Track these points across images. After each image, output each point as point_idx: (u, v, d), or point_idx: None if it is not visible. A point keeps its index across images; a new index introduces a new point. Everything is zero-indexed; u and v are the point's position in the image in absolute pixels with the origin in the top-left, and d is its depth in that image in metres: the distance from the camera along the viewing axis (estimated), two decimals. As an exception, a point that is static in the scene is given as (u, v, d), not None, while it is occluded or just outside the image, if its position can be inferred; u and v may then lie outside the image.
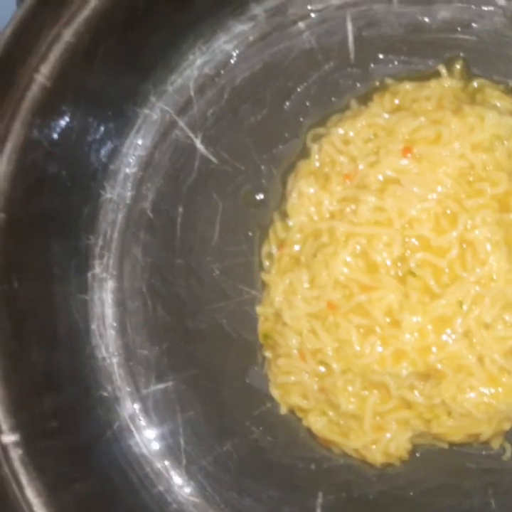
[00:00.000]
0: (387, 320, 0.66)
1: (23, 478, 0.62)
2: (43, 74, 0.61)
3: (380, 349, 0.66)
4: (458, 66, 0.71)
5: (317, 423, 0.70)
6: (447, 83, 0.69)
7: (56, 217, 0.69)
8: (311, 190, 0.69)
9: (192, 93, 0.72)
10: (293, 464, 0.71)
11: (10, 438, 0.62)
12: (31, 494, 0.62)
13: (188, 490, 0.71)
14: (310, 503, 0.70)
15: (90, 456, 0.68)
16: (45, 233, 0.68)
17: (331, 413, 0.69)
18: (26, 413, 0.64)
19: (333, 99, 0.71)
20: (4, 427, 0.62)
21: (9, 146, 0.62)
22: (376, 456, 0.69)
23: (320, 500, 0.70)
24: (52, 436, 0.66)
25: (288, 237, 0.71)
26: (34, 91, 0.62)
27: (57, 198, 0.68)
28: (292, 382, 0.70)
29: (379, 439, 0.68)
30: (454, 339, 0.65)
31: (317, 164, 0.70)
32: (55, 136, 0.65)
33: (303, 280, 0.69)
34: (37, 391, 0.66)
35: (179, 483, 0.71)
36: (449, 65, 0.71)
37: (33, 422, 0.64)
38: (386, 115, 0.68)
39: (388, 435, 0.68)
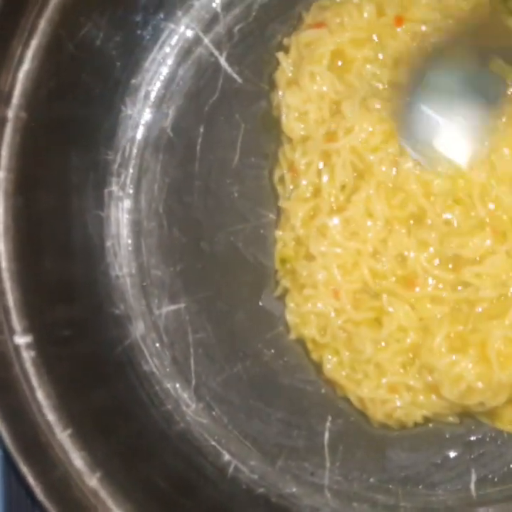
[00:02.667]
0: None
1: (34, 380, 0.62)
2: (72, -30, 0.61)
3: None
4: None
5: (327, 361, 0.68)
6: None
7: (76, 127, 0.68)
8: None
9: (219, 9, 0.71)
10: (303, 387, 0.70)
11: (23, 339, 0.62)
12: (41, 396, 0.61)
13: (196, 410, 0.71)
14: (319, 427, 0.69)
15: (100, 368, 0.68)
16: (65, 141, 0.68)
17: (346, 353, 0.68)
18: (40, 318, 0.64)
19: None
20: (17, 328, 0.62)
21: (34, 43, 0.62)
22: (377, 414, 0.68)
23: (328, 424, 0.69)
24: (64, 343, 0.65)
25: (295, 159, 0.69)
26: (62, -13, 0.61)
27: (79, 106, 0.68)
28: (316, 312, 0.68)
29: (389, 400, 0.67)
30: None
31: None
32: (81, 39, 0.64)
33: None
34: (50, 298, 0.66)
35: (187, 403, 0.71)
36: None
37: (46, 327, 0.64)
38: None
39: (399, 403, 0.67)
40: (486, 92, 0.62)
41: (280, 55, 0.70)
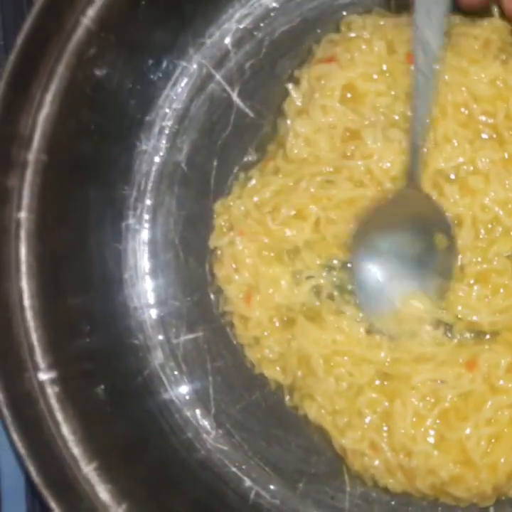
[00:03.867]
0: None
1: (59, 415, 0.63)
2: (89, 17, 0.62)
3: None
4: None
5: (311, 408, 0.68)
6: (498, 23, 0.67)
7: (94, 165, 0.70)
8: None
9: (230, 46, 0.73)
10: (321, 413, 0.72)
11: (47, 375, 0.63)
12: (66, 431, 0.63)
13: (216, 437, 0.72)
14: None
15: (122, 399, 0.69)
16: (83, 179, 0.69)
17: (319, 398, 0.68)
18: (62, 353, 0.65)
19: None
20: (42, 365, 0.64)
21: (53, 88, 0.63)
22: (355, 464, 0.68)
23: (348, 448, 0.71)
24: (86, 377, 0.67)
25: None
26: (79, 34, 0.63)
27: (96, 145, 0.69)
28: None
29: (368, 456, 0.67)
30: None
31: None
32: (97, 81, 0.66)
33: None
34: (72, 333, 0.68)
35: (207, 431, 0.72)
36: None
37: (69, 362, 0.66)
38: None
39: (376, 462, 0.67)
40: (434, 266, 0.66)
41: (290, 85, 0.71)
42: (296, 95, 0.70)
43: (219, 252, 0.71)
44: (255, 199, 0.69)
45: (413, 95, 0.64)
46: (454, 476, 0.65)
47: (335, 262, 0.69)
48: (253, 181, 0.71)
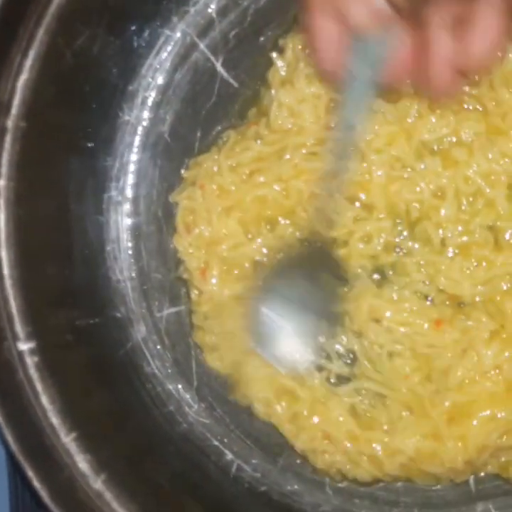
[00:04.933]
0: None
1: (38, 385, 0.62)
2: (68, -20, 0.61)
3: None
4: None
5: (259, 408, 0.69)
6: None
7: (75, 134, 0.69)
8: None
9: (214, 15, 0.72)
10: (304, 387, 0.71)
11: (26, 345, 0.63)
12: (46, 401, 0.62)
13: (198, 411, 0.72)
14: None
15: (103, 371, 0.69)
16: (64, 148, 0.68)
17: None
18: (42, 323, 0.64)
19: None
20: (21, 335, 0.63)
21: (33, 53, 0.62)
22: (318, 462, 0.68)
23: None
24: (67, 348, 0.66)
25: None
26: (59, -3, 0.62)
27: (77, 113, 0.68)
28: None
29: (327, 450, 0.67)
30: None
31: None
32: (78, 47, 0.65)
33: None
34: (52, 304, 0.67)
35: (190, 404, 0.72)
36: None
37: (49, 332, 0.65)
38: None
39: (338, 457, 0.67)
40: (321, 304, 0.66)
41: (274, 55, 0.71)
42: (280, 64, 0.70)
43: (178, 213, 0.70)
44: (231, 162, 0.68)
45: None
46: (420, 450, 0.64)
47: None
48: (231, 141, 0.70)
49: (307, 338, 0.66)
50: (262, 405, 0.69)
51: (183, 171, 0.72)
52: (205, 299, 0.70)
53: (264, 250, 0.68)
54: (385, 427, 0.65)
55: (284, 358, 0.66)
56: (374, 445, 0.65)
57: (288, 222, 0.68)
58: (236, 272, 0.69)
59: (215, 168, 0.69)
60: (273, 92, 0.69)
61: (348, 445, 0.66)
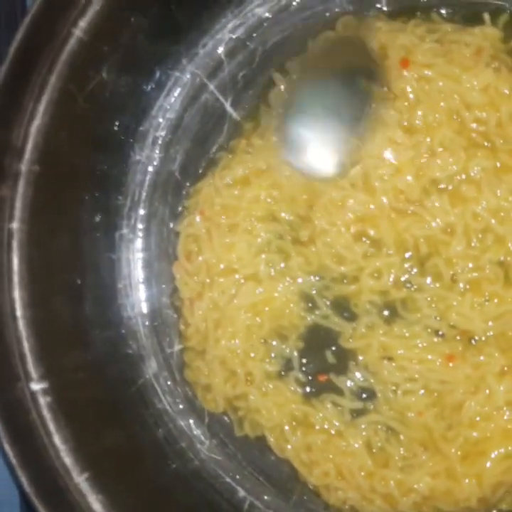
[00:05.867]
0: None
1: (51, 425, 0.63)
2: (80, 28, 0.63)
3: None
4: (502, 19, 0.69)
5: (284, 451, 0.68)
6: (489, 31, 0.67)
7: (87, 175, 0.70)
8: None
9: (223, 56, 0.73)
10: (315, 423, 0.71)
11: (39, 385, 0.63)
12: (59, 440, 0.63)
13: (210, 447, 0.72)
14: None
15: (116, 409, 0.69)
16: (76, 190, 0.69)
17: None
18: (55, 363, 0.65)
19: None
20: (34, 375, 0.64)
21: (45, 98, 0.64)
22: (331, 499, 0.68)
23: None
24: (79, 387, 0.67)
25: None
26: (72, 44, 0.63)
27: (89, 155, 0.70)
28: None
29: (340, 488, 0.67)
30: None
31: None
32: (90, 92, 0.66)
33: None
34: (65, 343, 0.67)
35: (201, 441, 0.72)
36: (493, 16, 0.69)
37: (62, 372, 0.66)
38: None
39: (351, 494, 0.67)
40: (354, 108, 0.67)
41: (276, 75, 0.71)
42: (282, 85, 0.70)
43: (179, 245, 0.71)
44: (228, 180, 0.70)
45: None
46: (434, 488, 0.64)
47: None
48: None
49: (338, 144, 0.67)
50: (275, 436, 0.68)
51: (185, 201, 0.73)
52: (191, 332, 0.70)
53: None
54: (400, 464, 0.65)
55: (315, 165, 0.67)
56: (388, 482, 0.65)
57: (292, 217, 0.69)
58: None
59: (214, 191, 0.70)
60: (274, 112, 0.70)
61: (362, 481, 0.66)
